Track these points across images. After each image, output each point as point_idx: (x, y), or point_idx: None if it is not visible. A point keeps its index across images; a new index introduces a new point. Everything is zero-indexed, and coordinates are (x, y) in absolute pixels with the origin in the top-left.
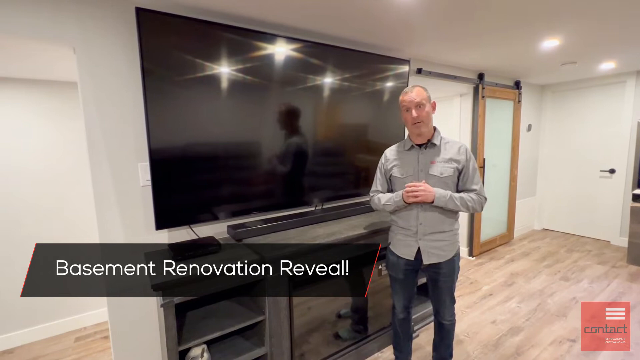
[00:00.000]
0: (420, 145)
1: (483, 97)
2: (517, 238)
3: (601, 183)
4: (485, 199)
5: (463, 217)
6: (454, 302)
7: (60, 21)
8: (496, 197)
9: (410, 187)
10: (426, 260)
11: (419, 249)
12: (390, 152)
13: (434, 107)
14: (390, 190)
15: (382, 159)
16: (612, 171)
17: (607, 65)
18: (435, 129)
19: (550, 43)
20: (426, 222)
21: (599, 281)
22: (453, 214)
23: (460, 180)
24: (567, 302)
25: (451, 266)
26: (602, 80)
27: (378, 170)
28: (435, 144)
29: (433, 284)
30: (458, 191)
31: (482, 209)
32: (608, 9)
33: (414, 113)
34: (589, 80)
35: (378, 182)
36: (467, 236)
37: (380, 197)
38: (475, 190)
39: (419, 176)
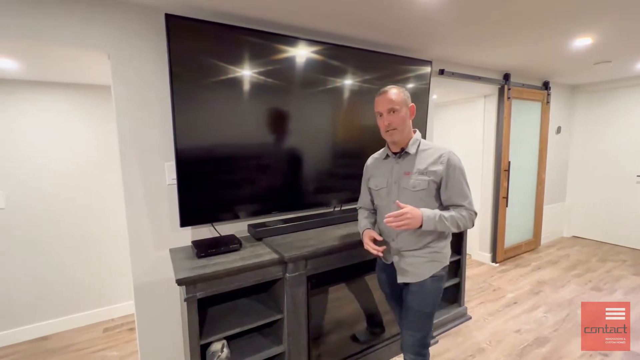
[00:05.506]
0: (395, 154)
1: (509, 98)
2: (544, 245)
3: (637, 189)
4: (475, 213)
5: (485, 221)
6: (423, 337)
7: (96, 28)
8: (522, 201)
9: (390, 217)
10: (400, 279)
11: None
12: (370, 161)
13: (412, 111)
14: (372, 202)
15: (364, 168)
16: None
17: None
18: (414, 133)
19: (583, 41)
20: (400, 239)
21: (635, 293)
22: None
23: (443, 194)
24: None
25: (423, 290)
26: (638, 80)
27: (362, 180)
28: (409, 153)
29: (404, 304)
30: (442, 204)
31: (473, 225)
32: None
33: (386, 120)
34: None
35: (362, 194)
36: (490, 241)
37: (359, 220)
38: (463, 205)
39: (392, 189)
